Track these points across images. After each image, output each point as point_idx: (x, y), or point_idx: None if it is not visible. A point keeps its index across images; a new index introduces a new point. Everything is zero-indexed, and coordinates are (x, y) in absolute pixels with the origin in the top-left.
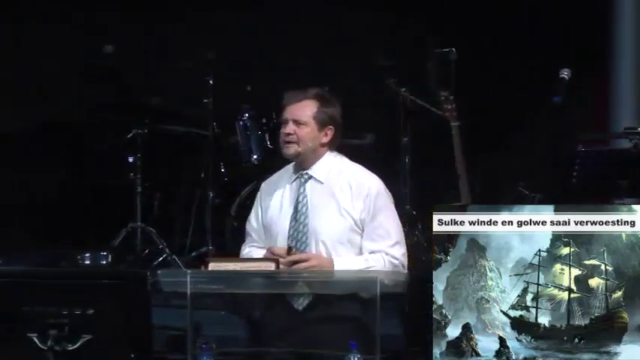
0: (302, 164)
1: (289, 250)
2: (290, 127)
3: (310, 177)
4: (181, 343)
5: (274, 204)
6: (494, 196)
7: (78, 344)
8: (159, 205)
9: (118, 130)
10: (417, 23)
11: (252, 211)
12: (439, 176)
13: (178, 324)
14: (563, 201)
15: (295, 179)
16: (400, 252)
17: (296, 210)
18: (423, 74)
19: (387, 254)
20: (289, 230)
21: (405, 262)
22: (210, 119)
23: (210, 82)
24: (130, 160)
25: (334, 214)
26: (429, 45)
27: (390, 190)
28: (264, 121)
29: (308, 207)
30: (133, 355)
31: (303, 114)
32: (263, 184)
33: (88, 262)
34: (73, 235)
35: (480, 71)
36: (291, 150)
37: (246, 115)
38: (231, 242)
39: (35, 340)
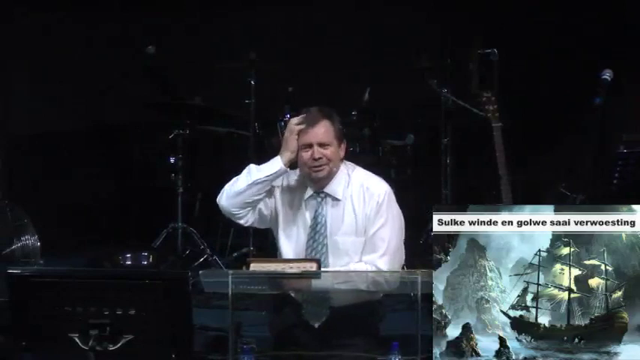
0: (319, 183)
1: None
2: (317, 151)
3: (327, 195)
4: (222, 344)
5: (288, 216)
6: (535, 197)
7: (119, 344)
8: (200, 205)
9: (160, 131)
10: (459, 24)
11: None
12: (480, 177)
13: (219, 324)
14: (605, 202)
15: (310, 196)
16: (386, 265)
17: (314, 229)
18: (464, 75)
19: (374, 266)
20: (307, 241)
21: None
22: (251, 120)
23: (252, 82)
24: (172, 160)
25: (351, 231)
26: (471, 46)
27: (431, 191)
28: None
29: (326, 226)
30: (173, 356)
31: (327, 136)
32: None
33: (129, 262)
34: (114, 235)
35: (522, 72)
36: (324, 172)
37: (288, 115)
38: (273, 243)
39: (76, 340)
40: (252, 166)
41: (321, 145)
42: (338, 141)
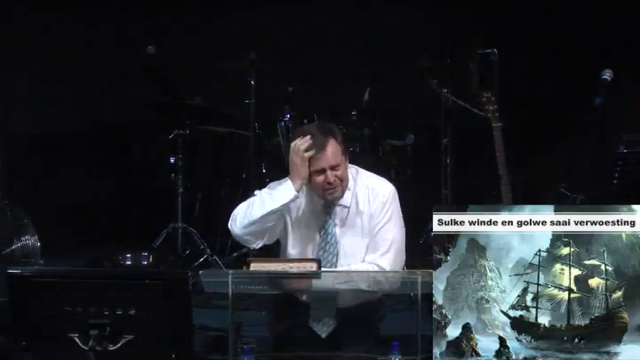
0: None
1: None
2: (330, 175)
3: (337, 205)
4: (222, 344)
5: (297, 229)
6: (535, 197)
7: (119, 344)
8: (200, 205)
9: (160, 131)
10: (459, 24)
11: None
12: (480, 177)
13: (219, 324)
14: (605, 202)
15: (319, 208)
16: (388, 263)
17: (324, 240)
18: (464, 75)
19: (376, 265)
20: (318, 252)
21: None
22: (251, 120)
23: (252, 82)
24: (172, 160)
25: (358, 233)
26: (471, 46)
27: (431, 191)
28: (305, 122)
29: (336, 235)
30: (173, 356)
31: (336, 157)
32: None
33: (129, 262)
34: (114, 235)
35: (522, 72)
36: (337, 193)
37: (288, 115)
38: (273, 242)
39: (76, 340)
40: (264, 194)
41: (333, 167)
42: (345, 156)
